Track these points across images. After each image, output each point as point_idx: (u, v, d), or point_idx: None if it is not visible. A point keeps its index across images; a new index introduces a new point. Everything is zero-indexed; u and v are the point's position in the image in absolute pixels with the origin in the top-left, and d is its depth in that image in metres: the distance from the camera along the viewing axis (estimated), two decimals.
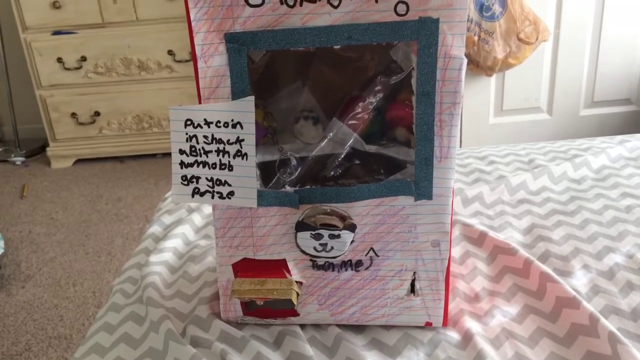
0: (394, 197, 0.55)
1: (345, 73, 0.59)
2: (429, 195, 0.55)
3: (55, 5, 2.47)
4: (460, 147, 2.36)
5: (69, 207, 2.34)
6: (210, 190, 0.54)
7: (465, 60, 0.50)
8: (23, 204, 2.39)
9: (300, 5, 0.48)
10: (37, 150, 2.91)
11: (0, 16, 2.73)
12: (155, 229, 0.87)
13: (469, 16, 2.02)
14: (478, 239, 0.76)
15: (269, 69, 0.61)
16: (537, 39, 2.08)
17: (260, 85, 0.61)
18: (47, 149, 2.77)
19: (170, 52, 2.55)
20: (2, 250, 1.90)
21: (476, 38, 2.03)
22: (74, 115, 2.68)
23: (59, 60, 2.57)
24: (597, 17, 2.15)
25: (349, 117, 0.59)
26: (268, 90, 0.63)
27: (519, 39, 2.07)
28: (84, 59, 2.57)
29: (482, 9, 2.01)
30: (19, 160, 2.82)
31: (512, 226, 0.80)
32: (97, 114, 2.69)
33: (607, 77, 2.26)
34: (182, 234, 0.83)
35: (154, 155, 2.76)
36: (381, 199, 0.55)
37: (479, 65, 2.11)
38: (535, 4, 2.05)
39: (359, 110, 0.58)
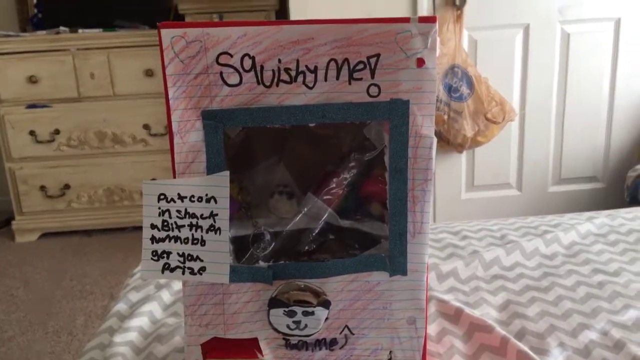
0: (369, 272, 0.55)
1: (320, 149, 0.60)
2: (403, 271, 0.55)
3: (32, 80, 2.49)
4: (434, 222, 2.39)
5: (31, 283, 2.25)
6: (181, 265, 0.52)
7: (435, 140, 0.51)
8: None
9: (277, 85, 0.50)
10: (1, 223, 2.83)
11: None
12: (120, 306, 0.83)
13: (438, 97, 2.11)
14: (454, 315, 0.75)
15: (244, 144, 0.61)
16: (503, 119, 2.18)
17: (236, 160, 0.62)
18: (13, 222, 2.69)
19: (145, 126, 2.57)
20: None
21: (446, 117, 2.12)
22: (42, 188, 2.64)
23: (31, 133, 2.56)
24: (559, 98, 2.27)
25: (323, 192, 0.59)
26: (243, 165, 0.64)
27: (487, 119, 2.16)
28: (57, 132, 2.57)
29: (450, 90, 2.11)
30: None
31: (488, 302, 0.80)
32: (67, 186, 2.65)
33: (573, 156, 2.35)
34: (149, 312, 0.80)
35: (123, 229, 2.71)
36: (356, 275, 0.55)
37: (449, 142, 2.18)
38: (501, 86, 2.16)
39: (334, 185, 0.58)
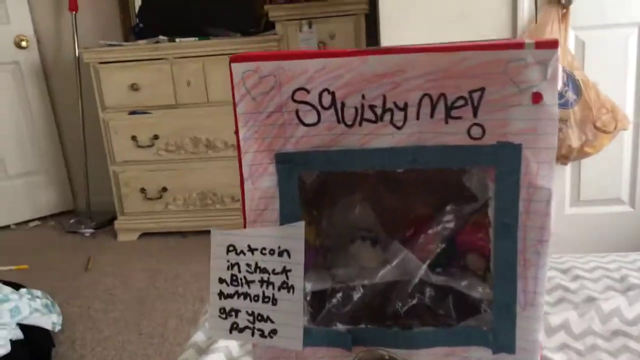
0: (467, 347, 0.46)
1: (410, 194, 0.52)
2: (510, 349, 0.45)
3: (134, 87, 2.61)
4: None
5: (129, 282, 2.35)
6: (251, 326, 0.47)
7: (554, 192, 0.42)
8: (86, 277, 2.43)
9: (360, 125, 0.43)
10: (105, 222, 3.00)
11: (83, 97, 2.92)
12: (198, 336, 0.80)
13: None
14: None
15: (324, 181, 0.55)
16: (615, 128, 1.96)
17: (314, 199, 0.55)
18: (115, 222, 2.84)
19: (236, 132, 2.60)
20: (60, 327, 1.90)
21: None
22: (142, 190, 2.76)
23: (133, 138, 2.68)
24: None
25: (414, 243, 0.51)
26: (322, 204, 0.57)
27: (596, 128, 1.95)
28: (156, 137, 2.67)
29: None
30: (88, 232, 2.91)
31: None
32: (164, 189, 2.75)
33: None
34: (226, 347, 0.76)
35: None
36: (451, 349, 0.46)
37: None
38: (612, 92, 1.94)
39: (426, 237, 0.50)
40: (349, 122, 0.43)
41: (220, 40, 2.59)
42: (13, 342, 1.62)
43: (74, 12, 2.85)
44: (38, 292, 1.91)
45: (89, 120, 2.94)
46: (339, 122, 0.43)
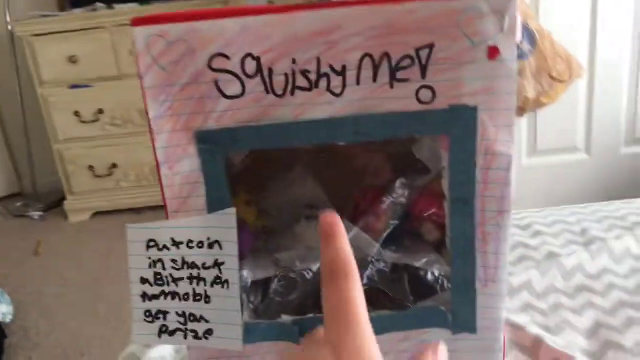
0: (425, 329, 0.42)
1: (356, 167, 0.47)
2: (471, 329, 0.41)
3: (72, 60, 2.45)
4: None
5: (83, 265, 2.26)
6: (182, 328, 0.41)
7: (513, 158, 0.37)
8: (37, 261, 2.32)
9: (292, 94, 0.37)
10: (54, 203, 2.86)
11: (20, 73, 2.72)
12: (134, 348, 0.72)
13: None
14: (532, 347, 0.61)
15: (258, 159, 0.49)
16: (570, 77, 1.95)
17: (250, 176, 0.49)
18: (65, 202, 2.71)
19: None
20: (11, 317, 1.81)
21: None
22: (91, 168, 2.63)
23: (76, 113, 2.53)
24: (634, 50, 2.02)
25: (363, 219, 0.46)
26: (259, 183, 0.51)
27: (552, 77, 1.94)
28: (100, 111, 2.53)
29: None
30: (36, 214, 2.77)
31: (572, 326, 0.66)
32: (114, 166, 2.63)
33: None
34: (162, 358, 0.68)
35: None
36: (407, 333, 0.42)
37: None
38: (566, 41, 1.92)
39: (377, 213, 0.45)
40: (279, 92, 0.37)
41: (165, 4, 2.45)
42: None
43: None
44: None
45: (27, 97, 2.75)
46: (267, 92, 0.37)
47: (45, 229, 2.65)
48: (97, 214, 2.72)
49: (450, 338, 0.42)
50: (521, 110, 2.02)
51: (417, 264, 0.46)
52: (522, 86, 1.92)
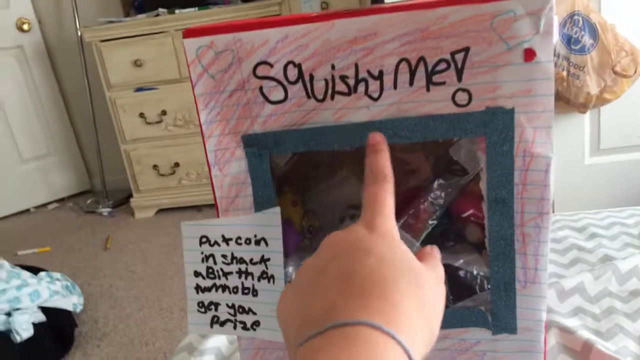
0: (465, 328, 0.43)
1: (396, 168, 0.48)
2: (512, 329, 0.42)
3: (137, 64, 2.57)
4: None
5: (148, 259, 2.37)
6: (232, 319, 0.44)
7: (554, 159, 0.37)
8: (106, 256, 2.46)
9: (332, 98, 0.39)
10: (122, 200, 3.02)
11: (89, 76, 2.89)
12: (191, 338, 0.76)
13: (555, 50, 1.84)
14: (582, 352, 0.60)
15: (302, 161, 0.51)
16: (635, 71, 1.85)
17: (298, 177, 0.52)
18: (131, 199, 2.85)
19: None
20: (81, 307, 1.93)
21: (565, 73, 1.84)
22: (155, 167, 2.75)
23: (141, 115, 2.66)
24: None
25: (405, 219, 0.47)
26: (304, 183, 0.53)
27: (615, 72, 1.85)
28: (164, 112, 2.65)
29: (570, 41, 1.82)
30: (105, 211, 2.93)
31: (625, 331, 0.64)
32: (176, 164, 2.74)
33: None
34: (217, 348, 0.72)
35: None
36: (447, 331, 0.43)
37: (569, 102, 1.90)
38: (631, 33, 1.83)
39: (417, 213, 0.46)
40: (320, 97, 0.39)
41: (221, 8, 2.52)
42: (36, 325, 1.65)
43: None
44: (57, 275, 1.93)
45: (96, 99, 2.92)
46: (308, 97, 0.39)
47: (113, 224, 2.80)
48: (161, 210, 2.84)
49: (490, 338, 0.43)
50: (583, 107, 1.94)
51: (456, 264, 0.46)
52: (585, 82, 1.85)
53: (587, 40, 1.80)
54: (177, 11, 2.54)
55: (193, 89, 0.40)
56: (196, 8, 2.53)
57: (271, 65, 0.38)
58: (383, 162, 0.35)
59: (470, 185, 0.47)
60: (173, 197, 2.80)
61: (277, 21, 0.38)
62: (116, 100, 2.66)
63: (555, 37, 0.35)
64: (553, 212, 1.76)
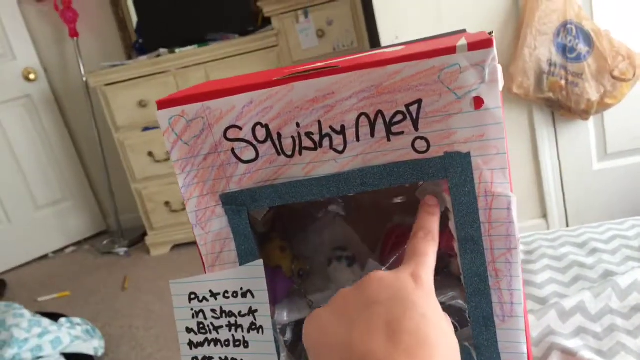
0: None
1: (371, 213, 0.50)
2: None
3: (142, 104, 2.63)
4: (564, 196, 2.12)
5: (166, 297, 2.39)
6: None
7: (514, 198, 0.38)
8: (124, 296, 2.49)
9: (300, 154, 0.41)
10: (138, 239, 3.06)
11: (97, 120, 2.96)
12: None
13: (551, 60, 1.85)
14: None
15: (282, 212, 0.53)
16: (634, 74, 1.86)
17: (283, 223, 0.54)
18: (146, 237, 2.89)
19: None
20: (103, 350, 1.95)
21: (563, 82, 1.85)
22: (167, 203, 2.80)
23: (150, 154, 2.71)
24: None
25: (389, 259, 0.49)
26: (293, 228, 0.55)
27: (614, 77, 1.85)
28: None
29: (565, 50, 1.83)
30: (122, 251, 2.97)
31: (627, 349, 0.64)
32: None
33: None
34: None
35: None
36: None
37: (571, 110, 1.91)
38: (627, 37, 1.83)
39: (399, 253, 0.48)
40: (289, 153, 0.41)
41: (220, 44, 2.59)
42: None
43: (76, 38, 2.88)
44: (78, 320, 1.96)
45: (106, 141, 2.99)
46: (278, 154, 0.41)
47: (130, 264, 2.84)
48: (176, 246, 2.88)
49: None
50: (585, 114, 1.94)
51: (443, 299, 0.47)
52: (584, 89, 1.86)
53: (582, 47, 1.81)
54: (177, 50, 2.60)
55: (170, 156, 0.42)
56: (196, 45, 2.60)
57: (240, 128, 0.40)
58: (434, 224, 0.40)
59: (447, 223, 0.48)
60: (187, 232, 2.84)
61: (242, 87, 0.40)
62: (124, 141, 2.72)
63: (501, 85, 0.36)
64: (567, 225, 1.75)
